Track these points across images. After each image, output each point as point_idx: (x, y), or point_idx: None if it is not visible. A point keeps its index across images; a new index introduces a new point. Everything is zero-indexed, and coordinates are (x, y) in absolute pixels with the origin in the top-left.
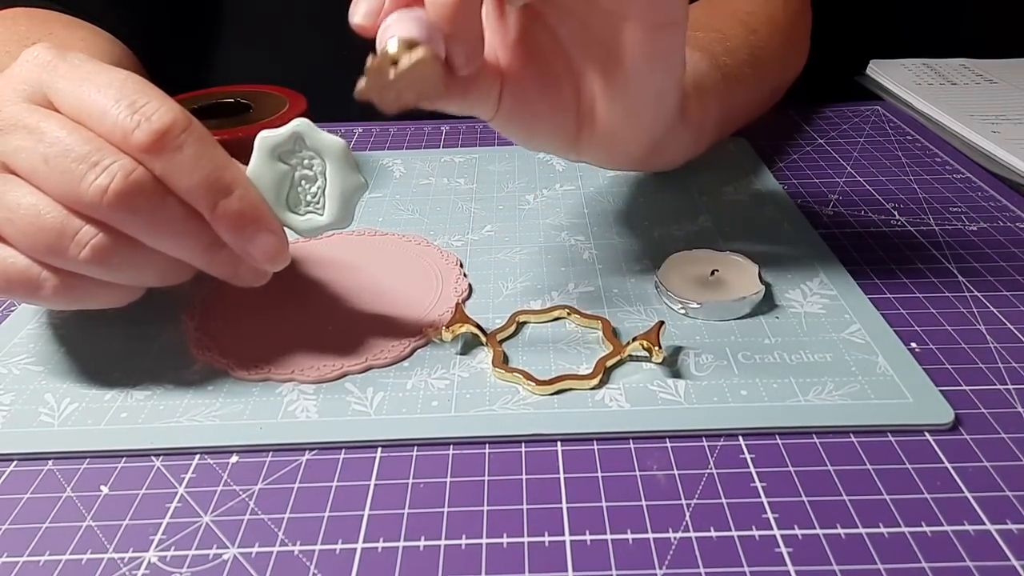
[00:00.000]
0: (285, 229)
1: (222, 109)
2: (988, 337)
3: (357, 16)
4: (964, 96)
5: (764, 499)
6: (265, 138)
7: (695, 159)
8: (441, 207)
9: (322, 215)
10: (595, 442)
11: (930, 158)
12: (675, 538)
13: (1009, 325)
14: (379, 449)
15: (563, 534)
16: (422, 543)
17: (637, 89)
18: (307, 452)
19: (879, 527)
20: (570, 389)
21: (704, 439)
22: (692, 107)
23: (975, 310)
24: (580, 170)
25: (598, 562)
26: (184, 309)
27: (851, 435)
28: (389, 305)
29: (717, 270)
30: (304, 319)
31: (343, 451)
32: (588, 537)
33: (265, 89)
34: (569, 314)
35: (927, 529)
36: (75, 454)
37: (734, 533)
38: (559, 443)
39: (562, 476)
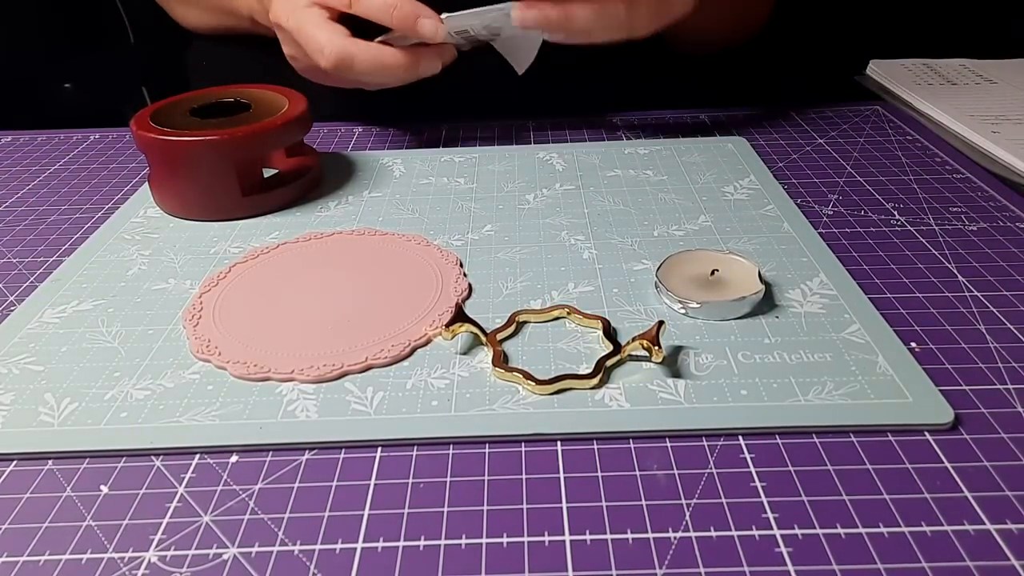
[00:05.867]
0: None
1: (222, 109)
2: (988, 337)
3: None
4: (964, 96)
5: (764, 499)
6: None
7: (696, 158)
8: (441, 207)
9: None
10: (595, 442)
11: (930, 158)
12: (675, 538)
13: (1009, 325)
14: (379, 449)
15: (563, 534)
16: (422, 543)
17: None
18: (307, 452)
19: (879, 527)
20: (570, 389)
21: (704, 439)
22: None
23: (975, 310)
24: (580, 170)
25: (598, 562)
26: (184, 309)
27: (851, 435)
28: (389, 305)
29: (717, 270)
30: (304, 319)
31: (343, 451)
32: (588, 537)
33: (265, 89)
34: (569, 314)
35: (927, 529)
36: (75, 454)
37: (734, 533)
38: (559, 443)
39: (562, 476)
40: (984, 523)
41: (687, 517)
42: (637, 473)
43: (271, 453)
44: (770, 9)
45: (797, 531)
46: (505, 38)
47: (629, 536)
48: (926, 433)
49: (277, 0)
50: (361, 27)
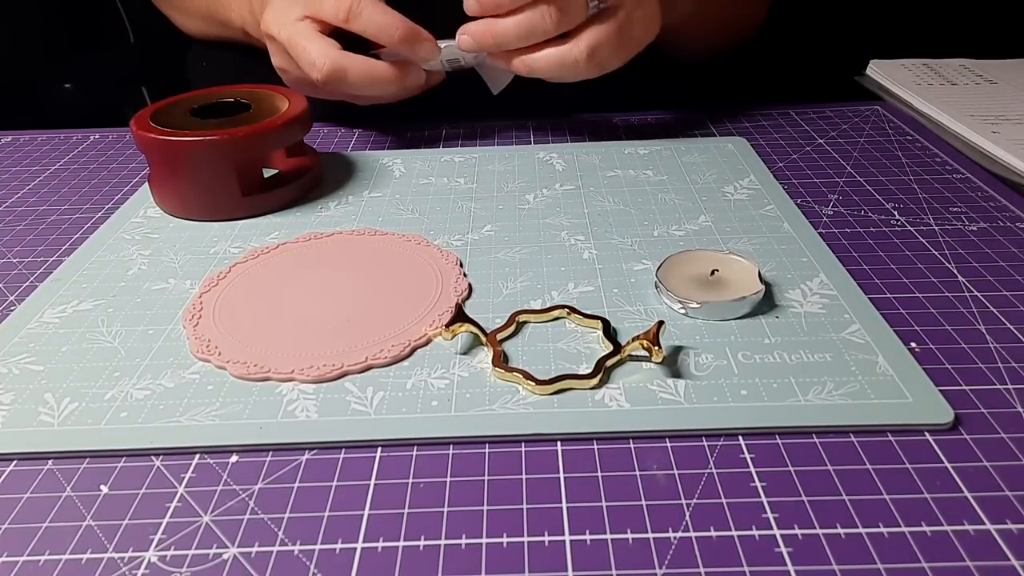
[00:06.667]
0: None
1: (222, 109)
2: (988, 337)
3: None
4: (964, 96)
5: (764, 499)
6: None
7: (696, 158)
8: (441, 207)
9: None
10: (595, 442)
11: (930, 158)
12: (675, 538)
13: (1009, 325)
14: (379, 449)
15: (563, 534)
16: (422, 543)
17: None
18: (307, 452)
19: (879, 527)
20: (570, 389)
21: (704, 439)
22: None
23: (975, 310)
24: (580, 170)
25: (598, 562)
26: (184, 309)
27: (851, 435)
28: (389, 305)
29: (717, 270)
30: (304, 319)
31: (343, 451)
32: (588, 537)
33: (265, 89)
34: (569, 314)
35: (927, 529)
36: (75, 454)
37: (734, 533)
38: (559, 443)
39: (562, 476)
40: (984, 523)
41: (687, 517)
42: (637, 473)
43: (271, 453)
44: (760, 21)
45: (797, 531)
46: (486, 65)
47: (629, 536)
48: (926, 433)
49: (269, 12)
50: (350, 43)
